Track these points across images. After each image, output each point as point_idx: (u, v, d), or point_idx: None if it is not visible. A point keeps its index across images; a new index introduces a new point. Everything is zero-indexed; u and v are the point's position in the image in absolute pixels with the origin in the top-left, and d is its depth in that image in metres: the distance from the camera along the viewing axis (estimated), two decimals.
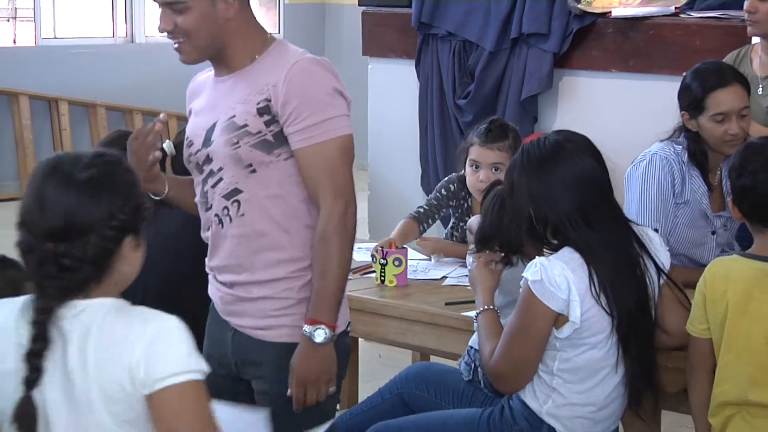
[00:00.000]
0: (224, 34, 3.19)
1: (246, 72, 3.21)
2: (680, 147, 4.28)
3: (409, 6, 7.18)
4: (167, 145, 4.11)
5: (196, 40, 3.18)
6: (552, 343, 3.37)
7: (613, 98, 6.40)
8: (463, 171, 4.84)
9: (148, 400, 2.35)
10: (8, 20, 11.62)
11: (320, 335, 3.10)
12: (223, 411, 2.59)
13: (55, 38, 11.87)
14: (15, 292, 2.88)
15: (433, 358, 4.81)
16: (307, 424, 3.13)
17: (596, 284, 3.30)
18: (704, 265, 3.52)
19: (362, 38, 7.54)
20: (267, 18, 12.62)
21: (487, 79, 6.85)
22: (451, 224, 4.98)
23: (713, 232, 4.32)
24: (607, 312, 3.32)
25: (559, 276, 3.29)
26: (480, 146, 4.71)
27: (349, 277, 3.28)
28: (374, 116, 7.47)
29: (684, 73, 4.39)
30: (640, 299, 3.39)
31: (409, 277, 4.55)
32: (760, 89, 4.74)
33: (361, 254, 4.67)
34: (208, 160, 3.23)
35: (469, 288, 4.10)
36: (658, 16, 6.27)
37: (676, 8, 6.28)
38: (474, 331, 3.82)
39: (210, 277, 3.36)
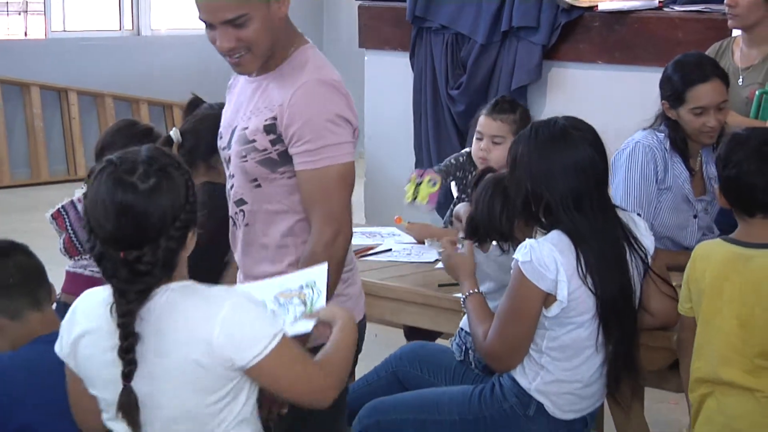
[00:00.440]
0: (276, 36, 3.03)
1: (269, 78, 3.08)
2: (662, 135, 4.28)
3: (404, 0, 7.17)
4: (174, 133, 4.11)
5: (258, 50, 3.00)
6: (541, 322, 3.36)
7: (599, 89, 6.40)
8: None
9: (246, 372, 2.46)
10: (19, 14, 11.59)
11: None
12: None
13: (65, 31, 11.85)
14: (25, 278, 2.88)
15: None
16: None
17: (583, 266, 3.30)
18: (687, 248, 3.52)
19: (359, 31, 7.54)
20: None
21: (479, 70, 6.86)
22: (454, 201, 4.96)
23: (695, 216, 4.32)
24: (592, 292, 3.31)
25: (547, 257, 3.29)
26: (485, 116, 4.69)
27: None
28: (370, 106, 7.46)
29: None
30: (624, 286, 3.38)
31: (402, 260, 4.55)
32: (740, 80, 4.73)
33: (357, 238, 4.66)
34: (228, 161, 3.16)
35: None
36: (642, 9, 6.27)
37: (659, 2, 6.29)
38: (464, 312, 3.81)
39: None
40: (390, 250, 4.71)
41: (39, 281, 2.91)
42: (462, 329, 3.84)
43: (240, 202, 3.14)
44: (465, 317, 3.85)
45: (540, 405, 3.44)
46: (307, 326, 2.70)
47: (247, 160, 3.06)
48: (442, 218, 5.26)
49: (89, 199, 2.45)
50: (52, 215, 4.36)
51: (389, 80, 7.38)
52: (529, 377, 3.44)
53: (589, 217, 3.34)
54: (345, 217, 3.03)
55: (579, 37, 6.47)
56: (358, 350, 3.24)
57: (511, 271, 3.37)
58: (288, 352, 2.48)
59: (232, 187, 3.16)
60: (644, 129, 4.33)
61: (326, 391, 2.55)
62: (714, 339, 3.22)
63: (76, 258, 4.31)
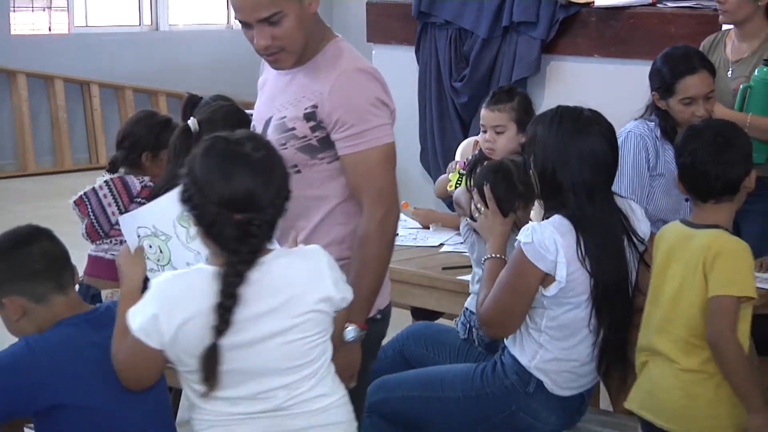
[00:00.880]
0: (309, 31, 3.01)
1: (302, 70, 3.06)
2: (653, 124, 4.31)
3: None
4: (192, 122, 4.10)
5: (294, 46, 3.00)
6: (540, 301, 3.36)
7: (595, 81, 6.38)
8: None
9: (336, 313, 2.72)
10: (44, 10, 11.59)
11: (350, 334, 2.98)
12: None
13: (87, 26, 11.86)
14: (49, 264, 2.86)
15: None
16: None
17: (582, 249, 3.29)
18: None
19: (367, 26, 7.53)
20: None
21: (481, 63, 6.85)
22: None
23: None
24: (590, 274, 3.31)
25: (548, 239, 3.28)
26: (484, 109, 4.68)
27: None
28: None
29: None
30: (620, 274, 3.37)
31: (408, 244, 4.55)
32: (730, 72, 4.72)
33: None
34: None
35: (465, 254, 4.10)
36: (636, 5, 6.26)
37: None
38: (469, 294, 3.81)
39: None
40: (396, 234, 4.70)
41: (63, 265, 2.90)
42: (467, 309, 3.84)
43: None
44: (469, 298, 3.85)
45: (539, 382, 3.44)
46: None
47: (287, 148, 3.04)
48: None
49: (199, 168, 2.55)
50: (74, 202, 4.36)
51: (396, 73, 7.35)
52: (529, 355, 3.43)
53: (595, 205, 3.34)
54: (393, 195, 3.05)
55: (576, 32, 6.46)
56: (383, 335, 3.24)
57: (513, 251, 3.36)
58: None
59: None
60: (636, 119, 4.36)
61: None
62: (655, 311, 3.24)
63: (98, 242, 4.31)
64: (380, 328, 3.18)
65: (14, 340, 2.86)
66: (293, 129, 3.04)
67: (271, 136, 3.08)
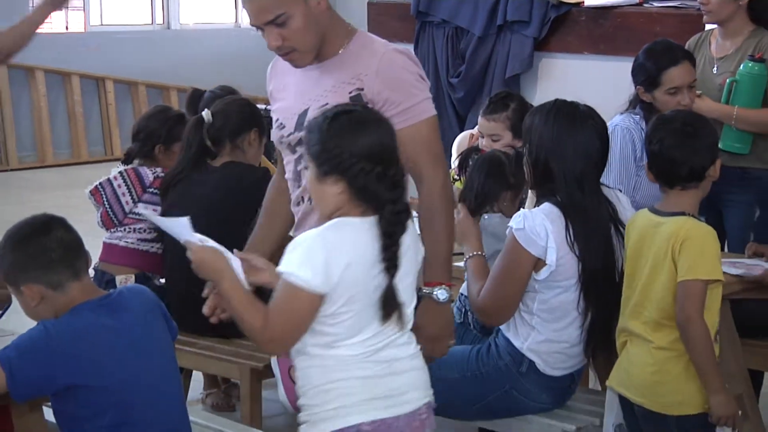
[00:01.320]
0: (322, 28, 3.00)
1: (333, 63, 3.04)
2: (638, 116, 4.31)
3: None
4: (206, 114, 4.09)
5: (304, 45, 2.99)
6: (532, 285, 3.36)
7: (585, 77, 6.39)
8: None
9: None
10: (61, 9, 11.56)
11: (443, 294, 2.98)
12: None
13: (102, 25, 11.85)
14: (65, 252, 2.85)
15: None
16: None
17: (572, 235, 3.29)
18: None
19: (367, 25, 7.52)
20: None
21: (476, 60, 6.86)
22: None
23: None
24: (578, 258, 3.31)
25: (539, 225, 3.29)
26: (481, 117, 4.66)
27: None
28: None
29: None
30: (607, 260, 3.37)
31: None
32: (715, 68, 4.71)
33: None
34: (301, 143, 3.02)
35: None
36: (624, 5, 6.26)
37: None
38: (464, 280, 3.80)
39: None
40: None
41: (78, 253, 2.89)
42: (462, 294, 3.84)
43: None
44: (465, 284, 3.85)
45: (531, 362, 3.44)
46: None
47: None
48: None
49: (334, 134, 2.58)
50: (90, 191, 4.36)
51: None
52: (522, 337, 3.44)
53: (584, 194, 3.35)
54: (445, 160, 3.10)
55: (567, 31, 6.46)
56: None
57: (506, 238, 3.36)
58: None
59: (299, 170, 3.09)
60: (621, 113, 4.35)
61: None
62: (631, 295, 3.24)
63: (112, 230, 4.30)
64: None
65: (33, 324, 2.86)
66: None
67: None
